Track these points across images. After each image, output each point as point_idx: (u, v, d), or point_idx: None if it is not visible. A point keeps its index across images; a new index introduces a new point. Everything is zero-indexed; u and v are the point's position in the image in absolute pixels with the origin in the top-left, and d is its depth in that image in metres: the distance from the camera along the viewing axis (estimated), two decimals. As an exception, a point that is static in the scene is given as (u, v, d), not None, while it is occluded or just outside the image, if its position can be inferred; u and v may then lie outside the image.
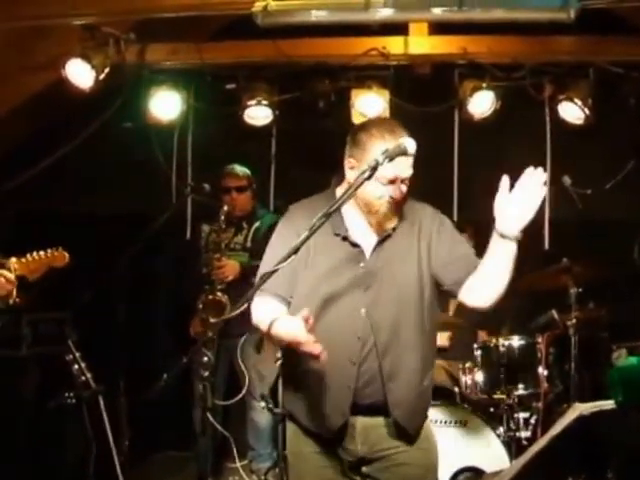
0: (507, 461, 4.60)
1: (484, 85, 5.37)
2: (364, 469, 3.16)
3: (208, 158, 6.15)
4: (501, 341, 4.92)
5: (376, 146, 3.01)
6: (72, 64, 5.21)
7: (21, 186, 5.80)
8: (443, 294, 3.25)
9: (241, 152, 5.95)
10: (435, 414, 4.67)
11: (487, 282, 3.05)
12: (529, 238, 5.98)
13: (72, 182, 6.34)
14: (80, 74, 5.24)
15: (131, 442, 5.14)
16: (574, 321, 4.97)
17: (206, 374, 4.93)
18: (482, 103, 5.45)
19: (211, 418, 5.22)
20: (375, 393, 3.08)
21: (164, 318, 6.54)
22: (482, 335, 5.36)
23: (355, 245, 3.12)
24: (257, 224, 5.64)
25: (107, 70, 5.28)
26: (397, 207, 3.11)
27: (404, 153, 2.93)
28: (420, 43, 5.47)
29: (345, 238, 3.12)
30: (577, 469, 2.78)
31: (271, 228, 5.50)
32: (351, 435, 3.12)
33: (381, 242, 3.13)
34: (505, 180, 2.90)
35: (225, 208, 5.45)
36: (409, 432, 3.12)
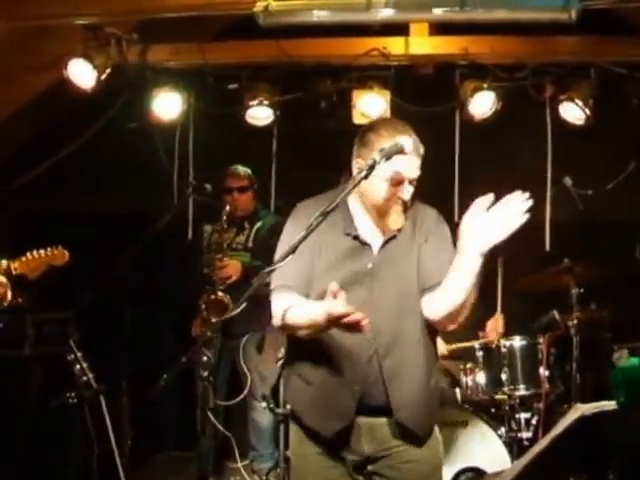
0: (508, 462, 4.60)
1: (485, 85, 5.37)
2: (370, 467, 3.15)
3: (210, 158, 6.15)
4: (502, 341, 4.92)
5: (383, 144, 3.00)
6: (74, 64, 5.22)
7: (24, 186, 5.81)
8: None
9: (243, 152, 5.95)
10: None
11: (443, 296, 3.01)
12: (530, 239, 6.00)
13: (74, 182, 6.34)
14: (82, 74, 5.25)
15: (133, 442, 5.14)
16: (575, 322, 4.98)
17: (205, 374, 4.94)
18: (483, 104, 5.45)
19: (212, 418, 5.23)
20: (379, 394, 3.07)
21: (166, 318, 6.54)
22: (483, 335, 5.36)
23: (365, 244, 3.12)
24: (259, 224, 5.64)
25: (109, 70, 5.29)
26: (404, 208, 3.11)
27: (401, 152, 2.94)
28: (421, 43, 5.48)
29: (355, 237, 3.12)
30: (578, 470, 2.78)
31: (272, 228, 5.58)
32: (356, 435, 3.10)
33: (386, 243, 3.13)
34: (482, 199, 2.85)
35: (227, 208, 5.46)
36: (417, 434, 3.11)
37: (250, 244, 5.62)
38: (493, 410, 5.05)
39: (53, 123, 6.05)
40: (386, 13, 4.62)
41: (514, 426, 4.90)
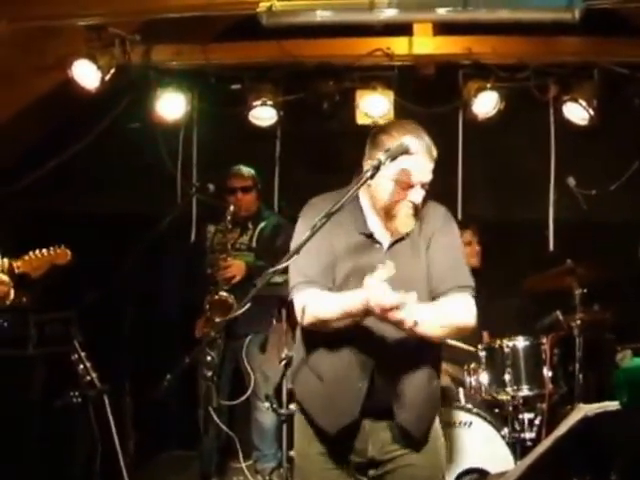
0: (512, 462, 4.59)
1: (488, 86, 5.38)
2: (371, 472, 3.15)
3: (213, 158, 6.16)
4: (505, 342, 4.91)
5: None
6: (78, 65, 5.24)
7: (28, 186, 5.82)
8: None
9: (246, 152, 5.95)
10: (439, 415, 4.67)
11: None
12: (534, 239, 6.01)
13: (78, 182, 6.35)
14: (86, 75, 5.27)
15: (136, 441, 5.15)
16: (578, 322, 4.97)
17: (209, 374, 4.95)
18: (486, 103, 5.45)
19: (215, 418, 5.23)
20: (384, 396, 3.06)
21: (169, 318, 6.54)
22: (486, 336, 5.36)
23: (376, 243, 3.11)
24: (262, 224, 5.64)
25: (113, 71, 5.30)
26: (415, 212, 3.08)
27: (406, 152, 2.92)
28: (424, 43, 5.48)
29: (369, 235, 3.11)
30: (581, 470, 2.78)
31: (276, 229, 5.59)
32: (361, 436, 3.10)
33: (394, 243, 3.11)
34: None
35: (231, 208, 5.46)
36: (417, 436, 3.11)
37: (254, 244, 5.62)
38: (496, 410, 5.04)
39: (57, 123, 6.07)
40: (389, 13, 4.62)
41: (517, 426, 4.89)
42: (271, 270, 2.81)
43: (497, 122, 5.52)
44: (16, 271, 4.21)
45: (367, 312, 2.86)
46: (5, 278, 4.11)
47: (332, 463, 3.15)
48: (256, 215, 5.70)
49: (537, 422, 4.90)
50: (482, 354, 4.97)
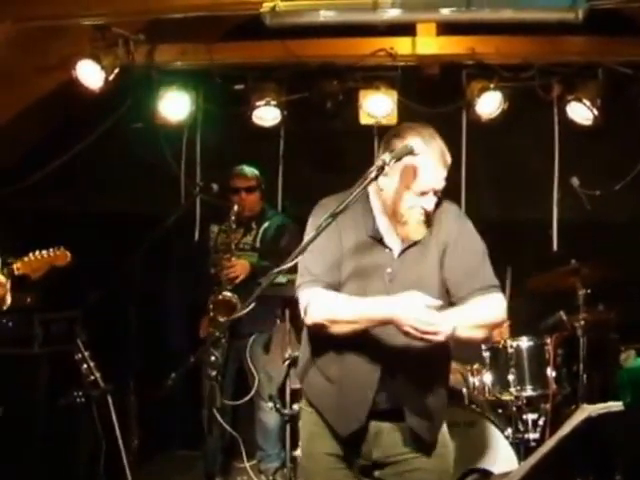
0: (515, 463, 4.59)
1: (492, 86, 5.37)
2: (377, 473, 3.13)
3: (217, 158, 6.16)
4: (509, 342, 4.92)
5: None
6: (82, 65, 5.24)
7: (31, 186, 5.83)
8: None
9: (250, 152, 5.96)
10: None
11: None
12: (538, 239, 6.00)
13: (81, 182, 6.36)
14: (90, 75, 5.27)
15: (140, 441, 5.16)
16: (582, 322, 4.97)
17: (213, 373, 4.95)
18: (490, 104, 5.45)
19: (219, 417, 5.24)
20: (393, 399, 3.04)
21: (173, 318, 6.55)
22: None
23: (386, 247, 3.06)
24: (266, 224, 5.64)
25: (116, 71, 5.31)
26: (427, 218, 3.03)
27: (410, 153, 2.89)
28: (428, 44, 5.48)
29: (379, 239, 3.06)
30: (585, 471, 2.78)
31: (280, 229, 5.59)
32: (365, 439, 3.08)
33: (406, 249, 3.06)
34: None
35: (235, 208, 5.46)
36: (426, 440, 3.09)
37: (257, 244, 5.62)
38: (500, 411, 5.04)
39: (61, 123, 6.08)
40: (393, 13, 4.62)
41: (521, 427, 4.89)
42: (275, 270, 2.80)
43: (501, 122, 5.52)
44: (16, 272, 4.22)
45: (385, 323, 2.84)
46: (2, 279, 4.12)
47: (336, 463, 3.13)
48: (260, 215, 5.70)
49: (541, 422, 4.91)
50: (486, 354, 4.96)
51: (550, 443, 2.82)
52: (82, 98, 5.45)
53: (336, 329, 2.95)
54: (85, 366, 4.69)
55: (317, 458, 3.18)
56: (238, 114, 5.77)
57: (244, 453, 5.59)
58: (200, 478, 5.47)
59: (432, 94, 5.69)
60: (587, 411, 2.72)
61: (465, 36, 5.36)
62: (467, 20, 4.69)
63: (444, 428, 3.21)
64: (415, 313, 2.75)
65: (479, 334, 3.00)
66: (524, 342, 4.93)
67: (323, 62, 5.56)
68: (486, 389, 4.92)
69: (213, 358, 4.94)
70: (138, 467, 4.98)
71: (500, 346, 4.93)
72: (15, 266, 4.20)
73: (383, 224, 3.08)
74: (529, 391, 4.88)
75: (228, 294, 5.33)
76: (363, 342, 2.99)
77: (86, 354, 4.70)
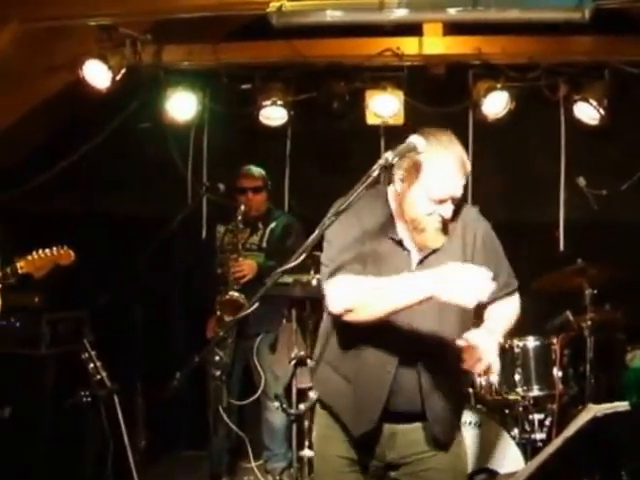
0: (522, 463, 4.58)
1: (498, 86, 5.37)
2: (391, 474, 3.12)
3: (223, 158, 6.17)
4: (516, 342, 4.91)
5: (430, 160, 2.92)
6: (89, 65, 5.25)
7: (38, 187, 5.84)
8: None
9: (256, 152, 5.97)
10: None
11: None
12: (544, 239, 5.99)
13: (89, 183, 6.37)
14: (97, 75, 5.28)
15: (148, 441, 5.17)
16: (589, 323, 4.96)
17: (218, 373, 4.96)
18: (496, 104, 5.44)
19: (225, 417, 5.24)
20: (412, 402, 3.02)
21: (180, 318, 6.56)
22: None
23: (407, 251, 3.02)
24: (273, 225, 5.64)
25: (123, 71, 5.32)
26: (444, 227, 2.99)
27: (414, 150, 2.86)
28: (434, 44, 5.48)
29: (399, 242, 3.02)
30: (591, 471, 2.78)
31: (286, 229, 5.59)
32: (379, 441, 3.07)
33: (425, 258, 3.02)
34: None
35: (242, 208, 5.46)
36: (442, 439, 3.07)
37: (264, 244, 5.62)
38: (506, 411, 5.04)
39: (68, 123, 6.09)
40: (399, 13, 4.61)
41: (527, 427, 4.89)
42: (280, 269, 2.80)
43: (507, 122, 5.51)
44: (19, 271, 4.23)
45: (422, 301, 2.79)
46: None
47: (348, 466, 3.12)
48: (266, 215, 5.70)
49: (547, 423, 4.90)
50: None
51: (556, 443, 2.82)
52: (89, 98, 5.47)
53: (365, 314, 2.86)
54: (92, 366, 4.70)
55: (329, 460, 3.18)
56: (245, 114, 5.78)
57: (250, 453, 5.59)
58: (206, 478, 5.47)
59: (439, 94, 5.70)
60: (593, 411, 2.72)
61: (471, 36, 5.36)
62: (473, 20, 4.69)
63: (459, 427, 3.21)
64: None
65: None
66: (531, 342, 4.92)
67: (330, 62, 5.57)
68: (493, 389, 4.92)
69: (217, 358, 4.94)
70: (145, 466, 4.99)
71: (507, 346, 4.93)
72: (18, 265, 4.22)
73: (401, 228, 3.05)
74: (536, 391, 4.87)
75: (235, 294, 5.33)
76: (380, 341, 2.98)
77: (93, 353, 4.70)
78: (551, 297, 5.34)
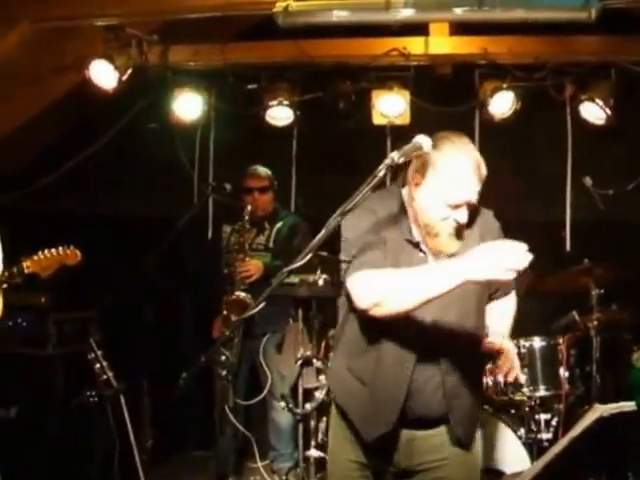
0: (528, 463, 4.57)
1: (505, 85, 5.37)
2: None
3: (230, 158, 6.17)
4: (522, 342, 4.90)
5: (446, 164, 2.91)
6: (96, 65, 5.26)
7: (45, 187, 5.85)
8: None
9: (262, 152, 5.97)
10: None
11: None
12: (551, 239, 5.97)
13: (95, 183, 6.38)
14: (104, 75, 5.29)
15: (154, 440, 5.17)
16: (595, 323, 4.95)
17: (224, 373, 4.96)
18: (503, 103, 5.44)
19: (232, 417, 5.25)
20: (432, 404, 2.99)
21: (187, 318, 6.56)
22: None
23: (423, 253, 2.99)
24: (279, 225, 5.65)
25: (130, 71, 5.33)
26: (459, 232, 2.96)
27: (419, 149, 2.83)
28: (441, 43, 5.48)
29: (416, 244, 2.99)
30: (597, 470, 2.77)
31: (293, 228, 5.60)
32: (397, 447, 3.04)
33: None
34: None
35: (249, 208, 5.47)
36: (464, 440, 3.05)
37: (271, 244, 5.63)
38: (513, 411, 5.02)
39: (75, 124, 6.10)
40: (405, 13, 4.62)
41: (534, 427, 4.88)
42: (286, 269, 2.80)
43: (513, 122, 5.51)
44: (25, 271, 4.24)
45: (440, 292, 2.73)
46: None
47: (357, 470, 3.10)
48: (273, 215, 5.70)
49: (554, 423, 4.88)
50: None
51: (563, 443, 2.82)
52: (96, 99, 5.48)
53: (395, 305, 2.80)
54: (98, 366, 4.70)
55: (339, 463, 3.18)
56: (251, 114, 5.78)
57: (257, 453, 5.59)
58: (213, 478, 5.47)
59: (445, 94, 5.69)
60: (599, 411, 2.72)
61: (478, 36, 5.36)
62: (479, 20, 4.69)
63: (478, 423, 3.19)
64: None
65: None
66: (537, 342, 4.92)
67: (336, 62, 5.57)
68: (499, 389, 4.91)
69: (223, 358, 4.96)
70: (151, 467, 5.00)
71: (513, 346, 4.92)
72: (25, 264, 4.23)
73: (416, 232, 3.02)
74: (542, 391, 4.86)
75: (241, 294, 5.34)
76: (399, 340, 2.95)
77: (99, 353, 4.71)
78: (557, 297, 5.34)
